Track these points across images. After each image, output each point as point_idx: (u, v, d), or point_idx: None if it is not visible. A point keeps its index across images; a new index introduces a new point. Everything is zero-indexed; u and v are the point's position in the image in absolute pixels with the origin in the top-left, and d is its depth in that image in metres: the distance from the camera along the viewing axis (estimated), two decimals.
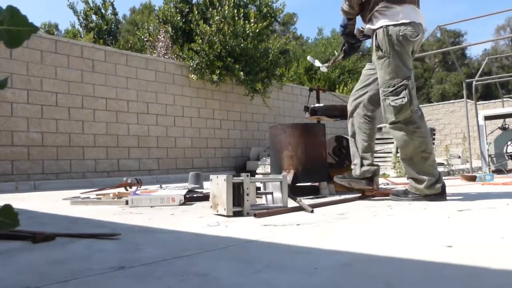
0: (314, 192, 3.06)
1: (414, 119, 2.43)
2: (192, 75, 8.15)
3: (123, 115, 7.18)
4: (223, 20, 8.17)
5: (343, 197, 2.75)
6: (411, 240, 1.36)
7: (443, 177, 2.64)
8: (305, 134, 3.15)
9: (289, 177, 2.91)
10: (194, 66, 8.03)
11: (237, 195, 2.08)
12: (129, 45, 11.61)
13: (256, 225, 1.75)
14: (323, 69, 3.08)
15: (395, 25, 2.42)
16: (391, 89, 2.43)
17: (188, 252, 1.24)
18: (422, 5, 2.62)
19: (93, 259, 1.20)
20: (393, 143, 9.93)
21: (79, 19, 11.21)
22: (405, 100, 2.38)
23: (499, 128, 8.47)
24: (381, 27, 2.45)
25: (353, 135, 2.72)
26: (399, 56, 2.43)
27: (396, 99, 2.40)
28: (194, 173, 4.14)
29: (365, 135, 2.67)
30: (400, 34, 2.41)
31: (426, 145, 2.45)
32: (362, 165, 2.67)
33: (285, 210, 2.14)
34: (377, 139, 10.38)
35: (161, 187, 3.47)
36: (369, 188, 2.66)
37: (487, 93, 25.81)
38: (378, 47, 2.47)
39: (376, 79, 2.58)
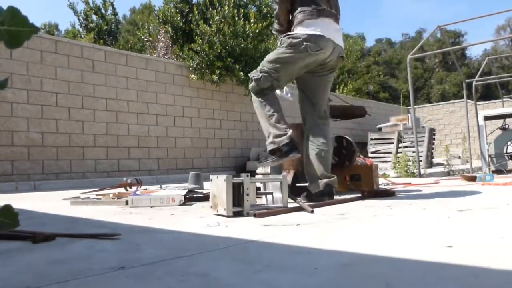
0: None
1: (264, 93, 2.65)
2: (192, 75, 8.16)
3: (123, 115, 7.18)
4: (223, 20, 8.18)
5: (343, 197, 2.75)
6: (411, 240, 1.36)
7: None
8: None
9: (289, 177, 2.91)
10: (194, 66, 8.03)
11: (237, 195, 2.08)
12: (129, 45, 11.62)
13: (256, 225, 1.75)
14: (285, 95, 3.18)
15: (306, 34, 2.56)
16: (260, 67, 2.67)
17: (188, 252, 1.25)
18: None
19: (93, 259, 1.20)
20: (393, 143, 9.94)
21: (79, 19, 11.23)
22: (257, 77, 2.63)
23: (499, 128, 8.47)
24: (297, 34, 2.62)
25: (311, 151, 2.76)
26: (289, 57, 2.59)
27: (255, 73, 2.68)
28: (194, 173, 4.14)
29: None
30: (304, 42, 2.54)
31: (270, 107, 2.62)
32: (313, 181, 2.68)
33: (285, 210, 2.14)
34: (377, 139, 10.40)
35: (161, 187, 3.47)
36: (328, 202, 2.52)
37: (487, 93, 25.83)
38: (286, 40, 2.61)
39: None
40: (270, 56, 2.68)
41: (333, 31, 2.64)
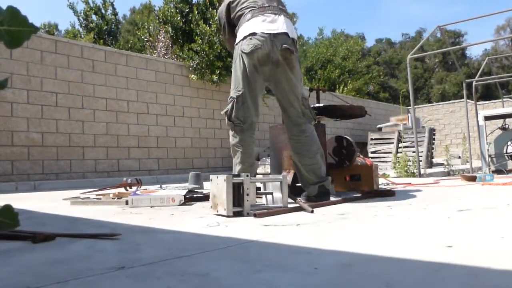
0: None
1: (234, 129, 2.61)
2: (192, 75, 8.16)
3: (123, 115, 7.18)
4: None
5: (343, 197, 2.75)
6: (411, 240, 1.36)
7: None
8: None
9: (289, 177, 2.91)
10: (194, 66, 8.03)
11: (237, 195, 2.08)
12: (129, 45, 11.61)
13: (256, 225, 1.75)
14: None
15: (239, 42, 2.59)
16: (229, 96, 2.64)
17: (188, 252, 1.25)
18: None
19: (93, 259, 1.20)
20: (393, 143, 9.94)
21: (79, 19, 11.22)
22: (226, 110, 2.62)
23: (499, 128, 8.48)
24: (236, 44, 2.64)
25: (295, 162, 2.71)
26: (236, 71, 2.60)
27: (226, 107, 2.63)
28: (194, 173, 4.14)
29: (298, 154, 2.68)
30: (239, 50, 2.56)
31: (239, 154, 2.61)
32: (307, 184, 2.63)
33: (285, 210, 2.14)
34: (377, 139, 10.39)
35: (161, 187, 3.47)
36: (328, 202, 2.51)
37: (487, 93, 25.84)
38: (233, 59, 2.67)
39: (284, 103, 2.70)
40: (232, 79, 2.66)
41: (269, 24, 2.52)
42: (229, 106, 2.59)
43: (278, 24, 2.54)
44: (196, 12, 8.64)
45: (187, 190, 2.94)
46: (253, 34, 2.50)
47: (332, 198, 2.67)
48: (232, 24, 2.81)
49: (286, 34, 2.54)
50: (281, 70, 2.56)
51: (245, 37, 2.53)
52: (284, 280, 0.94)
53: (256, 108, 2.64)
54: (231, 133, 2.63)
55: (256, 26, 2.52)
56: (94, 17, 11.23)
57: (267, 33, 2.49)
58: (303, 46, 18.91)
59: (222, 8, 2.85)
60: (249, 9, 2.61)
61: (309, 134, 2.64)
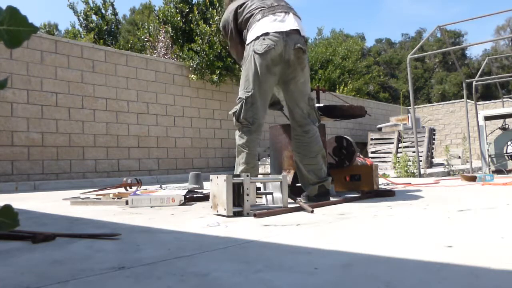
0: None
1: (242, 130, 2.56)
2: (192, 75, 8.16)
3: (123, 115, 7.18)
4: None
5: (343, 197, 2.75)
6: (411, 240, 1.36)
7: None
8: None
9: (289, 177, 2.91)
10: (194, 66, 8.03)
11: (237, 195, 2.08)
12: (129, 45, 11.60)
13: (256, 225, 1.75)
14: None
15: (251, 42, 2.55)
16: (238, 97, 2.60)
17: (188, 252, 1.24)
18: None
19: (93, 259, 1.20)
20: (393, 143, 9.94)
21: (79, 19, 11.22)
22: (234, 110, 2.57)
23: (499, 128, 8.48)
24: (247, 44, 2.60)
25: (296, 162, 2.72)
26: (246, 72, 2.55)
27: (234, 107, 2.59)
28: (194, 173, 4.14)
29: (299, 155, 2.67)
30: (252, 50, 2.52)
31: (244, 154, 2.56)
32: (308, 184, 2.63)
33: (285, 210, 2.14)
34: (377, 139, 10.39)
35: (161, 187, 3.47)
36: (328, 202, 2.51)
37: (487, 93, 25.86)
38: (243, 58, 2.63)
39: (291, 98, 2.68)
40: (241, 79, 2.62)
41: (280, 23, 2.51)
42: (237, 107, 2.55)
43: (289, 22, 2.54)
44: (196, 12, 8.65)
45: (187, 190, 2.94)
46: (266, 34, 2.48)
47: (332, 198, 2.67)
48: (239, 30, 2.77)
49: (298, 31, 2.54)
50: (292, 69, 2.56)
51: (257, 37, 2.50)
52: (284, 280, 0.94)
53: (265, 110, 2.63)
54: (238, 133, 2.60)
55: (268, 25, 2.51)
56: (94, 17, 11.22)
57: (279, 33, 2.48)
58: None
59: (229, 14, 2.78)
60: (259, 9, 2.60)
61: (312, 135, 2.64)
